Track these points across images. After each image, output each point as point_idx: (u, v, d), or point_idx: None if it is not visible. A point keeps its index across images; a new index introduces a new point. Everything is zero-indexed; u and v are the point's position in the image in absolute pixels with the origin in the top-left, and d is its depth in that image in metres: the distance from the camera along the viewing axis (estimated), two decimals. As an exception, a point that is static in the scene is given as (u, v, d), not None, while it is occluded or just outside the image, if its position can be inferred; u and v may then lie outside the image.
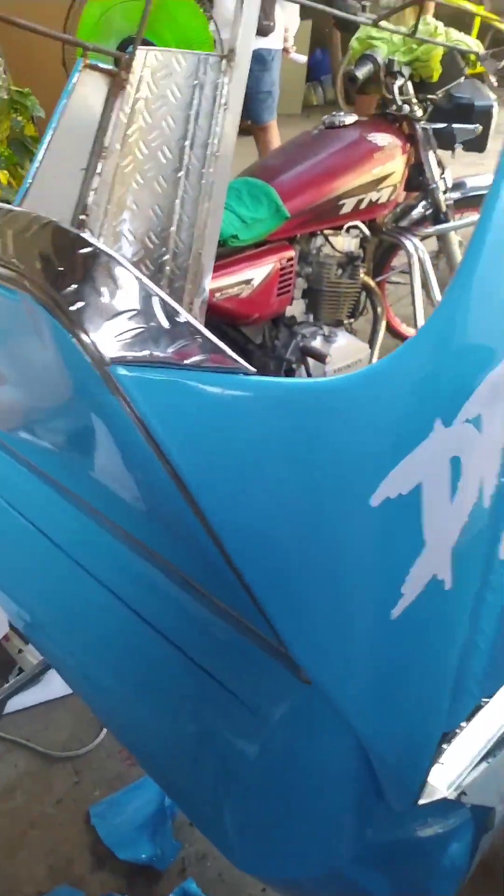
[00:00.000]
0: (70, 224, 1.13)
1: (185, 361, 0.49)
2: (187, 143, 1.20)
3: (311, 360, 1.90)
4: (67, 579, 0.80)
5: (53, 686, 1.61)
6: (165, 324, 0.49)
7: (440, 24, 1.76)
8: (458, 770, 0.75)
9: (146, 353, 0.48)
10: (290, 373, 1.93)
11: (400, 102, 1.79)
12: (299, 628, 0.55)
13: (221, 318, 1.77)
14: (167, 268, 1.30)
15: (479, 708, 0.80)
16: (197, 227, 1.27)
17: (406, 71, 1.78)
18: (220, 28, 3.00)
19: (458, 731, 0.80)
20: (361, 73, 1.70)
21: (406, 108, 1.81)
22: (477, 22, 3.96)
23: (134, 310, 0.49)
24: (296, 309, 1.99)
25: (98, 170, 1.11)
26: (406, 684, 0.60)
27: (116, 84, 1.08)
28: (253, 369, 0.51)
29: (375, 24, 1.44)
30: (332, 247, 1.92)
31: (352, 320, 2.07)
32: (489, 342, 0.57)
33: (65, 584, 0.82)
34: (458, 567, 0.60)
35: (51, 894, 1.24)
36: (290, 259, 1.81)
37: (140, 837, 1.29)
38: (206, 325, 1.77)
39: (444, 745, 0.77)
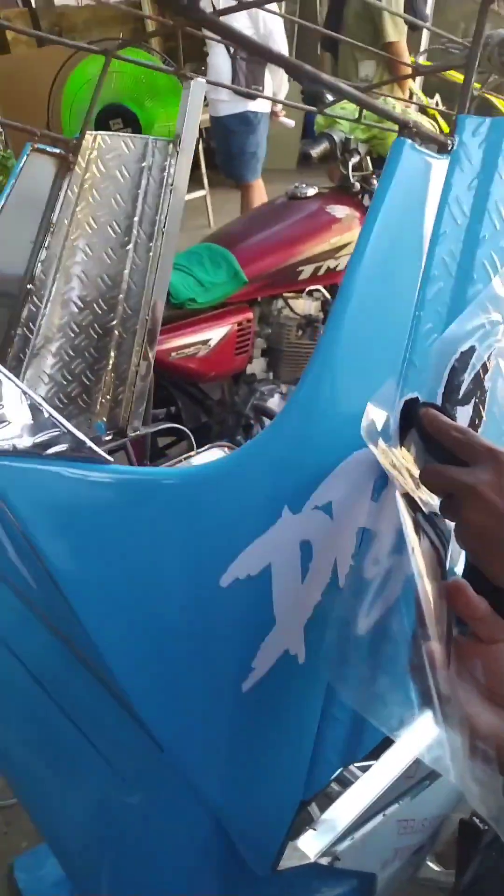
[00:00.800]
0: (19, 292, 1.20)
1: (47, 452, 0.54)
2: (136, 219, 1.28)
3: (265, 419, 1.97)
4: None
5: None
6: (28, 418, 0.55)
7: (398, 105, 1.87)
8: (331, 836, 0.78)
9: (9, 444, 0.54)
10: (248, 428, 2.00)
11: (352, 178, 1.89)
12: (151, 699, 0.59)
13: (180, 376, 1.84)
14: (115, 331, 1.36)
15: (353, 774, 0.84)
16: (145, 295, 1.34)
17: (363, 148, 1.88)
18: (209, 89, 3.14)
19: (334, 796, 0.83)
20: (315, 151, 1.80)
21: (357, 185, 1.91)
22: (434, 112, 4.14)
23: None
24: (256, 367, 2.06)
25: (45, 244, 1.18)
26: (259, 755, 0.64)
27: (65, 166, 1.16)
28: (109, 458, 0.56)
29: (321, 112, 1.54)
30: (292, 309, 2.01)
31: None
32: (341, 433, 0.62)
33: None
34: (313, 643, 0.64)
35: None
36: (249, 321, 1.89)
37: (61, 892, 1.29)
38: (165, 382, 1.85)
39: (318, 810, 0.80)
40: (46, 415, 0.55)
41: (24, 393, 0.55)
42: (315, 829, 0.77)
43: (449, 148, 0.65)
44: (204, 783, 0.61)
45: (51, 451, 0.54)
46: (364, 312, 0.61)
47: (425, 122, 1.96)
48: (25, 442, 0.54)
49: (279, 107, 3.83)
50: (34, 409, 0.55)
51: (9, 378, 0.55)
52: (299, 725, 0.66)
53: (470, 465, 0.56)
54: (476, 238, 0.69)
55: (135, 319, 1.37)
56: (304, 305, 2.02)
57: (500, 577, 0.54)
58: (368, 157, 1.99)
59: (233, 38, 0.64)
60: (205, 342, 1.78)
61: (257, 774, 0.64)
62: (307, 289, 2.01)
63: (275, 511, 0.59)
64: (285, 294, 1.99)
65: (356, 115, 1.57)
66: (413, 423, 0.63)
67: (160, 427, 1.51)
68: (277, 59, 0.63)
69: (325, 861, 0.77)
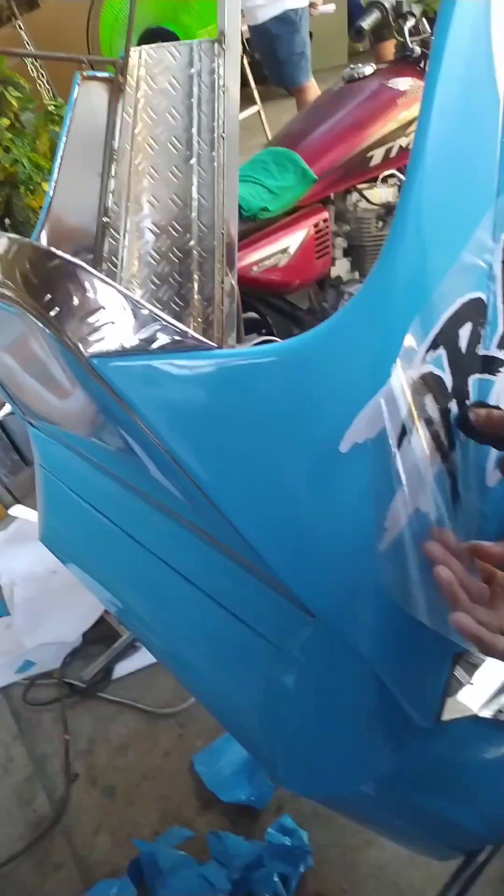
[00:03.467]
0: (95, 228, 1.22)
1: (153, 346, 0.56)
2: (194, 130, 1.26)
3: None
4: (138, 563, 0.89)
5: (152, 652, 1.75)
6: (131, 316, 0.57)
7: None
8: (491, 690, 0.80)
9: (118, 344, 0.56)
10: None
11: (411, 44, 1.75)
12: (296, 568, 0.61)
13: (264, 289, 1.82)
14: (194, 252, 1.36)
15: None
16: (216, 209, 1.33)
17: (417, 9, 1.74)
18: (243, 1, 2.99)
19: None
20: (367, 23, 1.68)
21: (418, 49, 1.78)
22: None
23: (102, 307, 0.57)
24: (340, 269, 2.01)
25: (112, 172, 1.19)
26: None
27: (115, 88, 1.15)
28: (212, 344, 0.57)
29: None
30: (368, 200, 1.92)
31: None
32: (440, 280, 0.60)
33: (136, 567, 0.91)
34: (443, 499, 0.64)
35: (165, 834, 1.38)
36: (325, 220, 1.83)
37: (240, 780, 1.40)
38: (252, 299, 1.84)
39: (478, 663, 0.82)
40: (147, 312, 0.57)
41: (123, 295, 0.57)
42: (472, 684, 0.79)
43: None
44: (359, 642, 0.63)
45: (156, 344, 0.56)
46: (444, 153, 0.58)
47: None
48: (132, 340, 0.56)
49: None
50: (134, 308, 0.57)
51: (106, 282, 0.57)
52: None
53: None
54: None
55: (211, 237, 1.36)
56: (381, 194, 1.93)
57: None
58: (424, 19, 1.84)
59: None
60: (284, 250, 1.74)
61: (408, 629, 0.66)
62: (381, 175, 1.91)
63: (384, 369, 0.58)
64: (359, 185, 1.91)
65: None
66: (464, 427, 0.62)
67: (255, 342, 1.52)
68: None
69: (488, 713, 0.79)
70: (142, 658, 1.77)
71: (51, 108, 2.19)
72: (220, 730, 1.54)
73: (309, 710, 0.71)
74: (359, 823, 1.16)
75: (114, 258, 1.25)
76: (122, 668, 1.75)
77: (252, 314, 1.90)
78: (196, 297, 1.39)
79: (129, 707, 1.67)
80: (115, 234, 1.23)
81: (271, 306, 1.90)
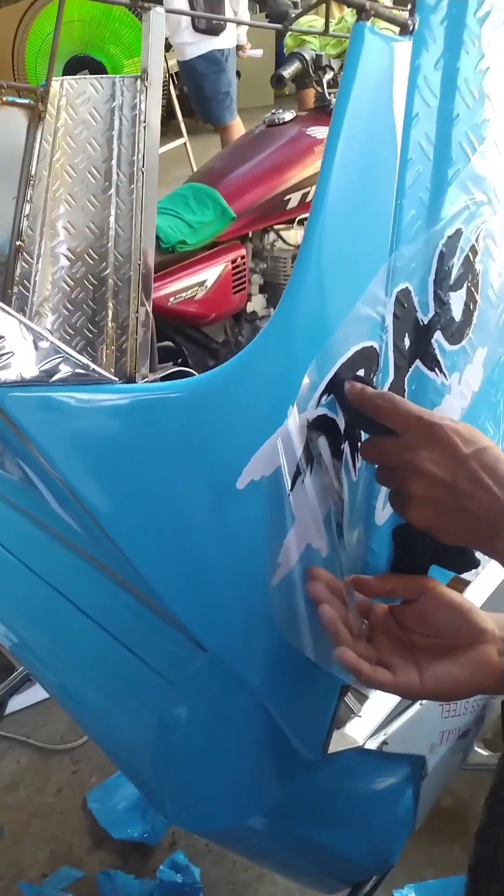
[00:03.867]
0: (7, 251, 1.21)
1: (53, 378, 0.56)
2: (114, 162, 1.27)
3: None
4: (32, 595, 0.87)
5: (50, 685, 1.70)
6: (31, 347, 0.57)
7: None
8: (376, 722, 0.82)
9: (17, 374, 0.56)
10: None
11: (328, 95, 1.84)
12: (189, 603, 0.62)
13: (181, 320, 1.84)
14: (110, 280, 1.37)
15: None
16: (133, 240, 1.34)
17: (336, 64, 1.83)
18: (171, 33, 3.05)
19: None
20: (288, 72, 1.76)
21: (334, 101, 1.86)
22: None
23: (1, 337, 0.56)
24: (256, 304, 2.06)
25: (28, 197, 1.19)
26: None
27: (35, 115, 1.15)
28: (114, 378, 0.58)
29: (286, 28, 1.50)
30: (284, 241, 1.99)
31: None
32: (336, 332, 0.63)
33: (31, 599, 0.89)
34: (333, 536, 0.67)
35: (53, 876, 1.33)
36: (243, 257, 1.88)
37: (133, 817, 1.37)
38: (168, 329, 1.85)
39: (364, 697, 0.84)
40: (48, 344, 0.57)
41: (23, 324, 0.57)
42: (360, 716, 0.81)
43: (410, 29, 0.64)
44: (249, 676, 0.64)
45: (57, 376, 0.56)
46: (344, 206, 0.62)
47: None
48: (32, 371, 0.56)
49: (245, 41, 3.72)
50: (36, 338, 0.57)
51: (7, 312, 0.56)
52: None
53: (402, 435, 0.57)
54: (449, 118, 0.69)
55: (127, 266, 1.37)
56: (296, 235, 2.00)
57: (454, 539, 0.57)
58: (342, 73, 1.94)
59: None
60: (201, 283, 1.77)
61: (297, 662, 0.67)
62: (297, 218, 1.98)
63: (280, 411, 0.61)
64: (275, 226, 1.97)
65: (324, 29, 1.53)
66: (340, 399, 0.63)
67: (168, 372, 1.53)
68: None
69: (373, 745, 0.81)
70: (36, 692, 1.71)
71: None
72: (115, 766, 1.51)
73: (198, 745, 0.71)
74: (248, 859, 1.16)
75: (25, 282, 1.24)
76: (16, 703, 1.69)
77: (168, 343, 1.91)
78: (110, 324, 1.39)
79: (21, 743, 1.61)
80: (29, 259, 1.22)
81: (188, 338, 1.92)
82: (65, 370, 0.56)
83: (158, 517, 0.59)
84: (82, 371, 0.57)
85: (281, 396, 0.61)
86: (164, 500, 0.59)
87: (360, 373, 0.66)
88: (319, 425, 0.63)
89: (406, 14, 0.65)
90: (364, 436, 0.68)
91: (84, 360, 0.57)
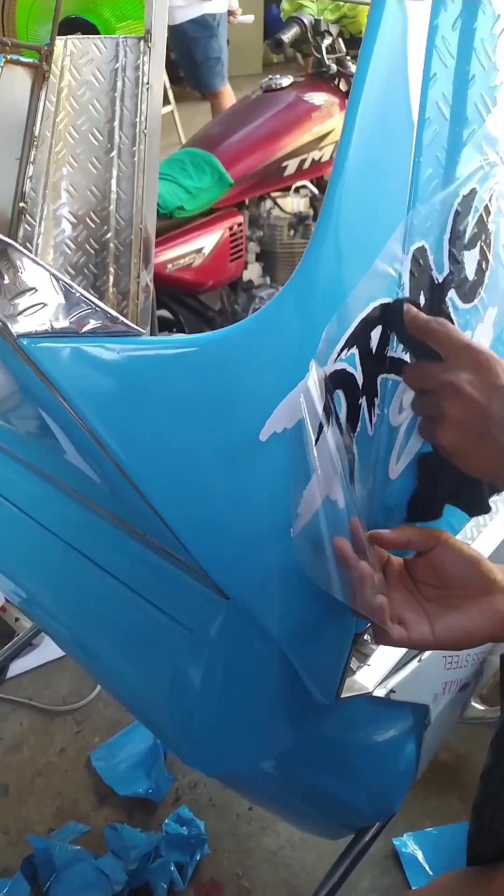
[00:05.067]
0: (10, 212, 1.20)
1: (84, 329, 0.57)
2: (116, 123, 1.26)
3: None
4: (45, 550, 0.89)
5: (51, 649, 1.72)
6: (62, 299, 0.57)
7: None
8: (384, 670, 0.85)
9: (48, 325, 0.57)
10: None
11: (327, 61, 1.83)
12: (212, 551, 0.64)
13: (178, 288, 1.84)
14: (111, 245, 1.36)
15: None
16: (135, 203, 1.33)
17: (334, 29, 1.82)
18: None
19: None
20: (287, 36, 1.74)
21: (334, 66, 1.86)
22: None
23: (34, 288, 0.57)
24: (252, 272, 2.06)
25: (31, 158, 1.18)
26: (314, 591, 0.69)
27: (39, 75, 1.14)
28: (142, 330, 0.59)
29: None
30: (281, 209, 1.98)
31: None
32: (355, 286, 0.64)
33: (43, 555, 0.91)
34: (349, 489, 0.69)
35: (60, 830, 1.36)
36: (240, 224, 1.87)
37: (137, 774, 1.41)
38: (165, 297, 1.85)
39: (372, 647, 0.87)
40: (78, 294, 0.58)
41: (55, 277, 0.58)
42: (369, 665, 0.84)
43: (431, -14, 0.65)
44: (269, 623, 0.67)
45: (87, 327, 0.57)
46: (364, 162, 0.63)
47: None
48: (62, 322, 0.57)
49: (236, 6, 3.67)
50: (66, 290, 0.58)
51: (39, 264, 0.57)
52: (346, 563, 0.71)
53: (446, 360, 0.60)
54: (465, 78, 0.69)
55: (129, 230, 1.36)
56: (293, 203, 2.00)
57: (474, 468, 0.61)
58: (340, 39, 1.92)
59: None
60: (198, 250, 1.77)
61: (313, 610, 0.70)
62: (294, 185, 1.98)
63: (302, 365, 0.62)
64: (272, 193, 1.96)
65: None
66: (392, 324, 0.65)
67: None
68: None
69: (381, 693, 0.84)
70: (38, 656, 1.73)
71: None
72: (119, 726, 1.54)
73: (216, 691, 0.73)
74: (255, 803, 1.20)
75: (28, 244, 1.23)
76: (18, 667, 1.71)
77: (164, 312, 1.91)
78: (111, 290, 1.39)
79: (23, 705, 1.63)
80: (31, 221, 1.22)
81: (184, 305, 1.92)
82: (93, 322, 0.57)
83: (183, 467, 0.61)
84: (110, 323, 0.58)
85: (302, 351, 0.62)
86: (189, 450, 0.60)
87: (378, 329, 0.67)
88: (338, 379, 0.65)
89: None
90: (380, 392, 0.70)
91: (113, 311, 0.58)
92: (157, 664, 0.78)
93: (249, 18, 3.79)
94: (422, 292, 0.71)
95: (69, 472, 0.76)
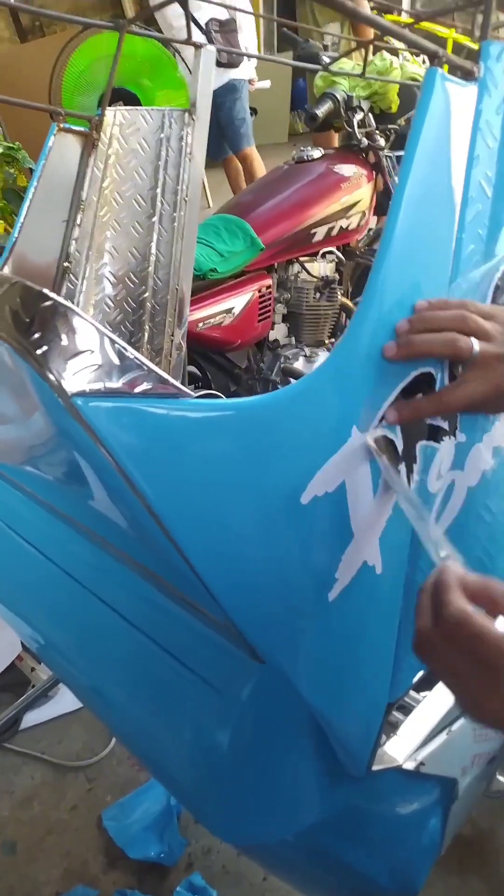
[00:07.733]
0: (55, 271, 1.25)
1: (135, 390, 0.59)
2: (158, 190, 1.32)
3: (293, 381, 2.01)
4: (69, 598, 0.89)
5: (66, 701, 1.70)
6: (116, 360, 0.59)
7: (395, 59, 1.88)
8: (415, 742, 0.84)
9: (101, 385, 0.58)
10: (277, 393, 2.03)
11: (359, 135, 1.90)
12: (250, 614, 0.64)
13: (207, 346, 1.88)
14: (147, 304, 1.40)
15: (432, 682, 0.88)
16: (173, 265, 1.38)
17: (365, 105, 1.90)
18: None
19: (413, 704, 0.88)
20: (321, 111, 1.82)
21: (365, 140, 1.93)
22: (450, 44, 4.12)
23: (89, 350, 0.59)
24: (278, 333, 2.10)
25: (78, 221, 1.23)
26: (349, 659, 0.69)
27: (89, 143, 1.20)
28: (191, 393, 0.60)
29: (326, 69, 1.56)
30: (309, 273, 2.04)
31: (332, 340, 2.18)
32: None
33: (67, 602, 0.91)
34: (387, 554, 0.69)
35: (68, 894, 1.32)
36: (269, 287, 1.92)
37: (149, 836, 1.37)
38: (194, 353, 1.89)
39: (401, 717, 0.86)
40: (131, 356, 0.60)
41: (110, 339, 0.60)
42: (398, 735, 0.82)
43: (476, 76, 0.69)
44: (304, 689, 0.66)
45: (139, 389, 0.59)
46: (409, 238, 0.65)
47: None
48: (116, 383, 0.59)
49: (254, 75, 3.87)
50: (120, 352, 0.60)
51: (95, 326, 0.60)
52: (381, 631, 0.71)
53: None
54: (508, 160, 0.73)
55: (165, 291, 1.41)
56: (320, 268, 2.05)
57: None
58: (370, 114, 2.01)
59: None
60: (229, 311, 1.81)
61: (348, 679, 0.69)
62: (321, 251, 2.03)
63: (345, 430, 0.63)
64: (301, 258, 2.02)
65: (359, 71, 1.60)
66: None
67: (199, 394, 1.56)
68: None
69: (410, 766, 0.83)
70: (52, 708, 1.71)
71: (6, 150, 2.22)
72: (132, 784, 1.51)
73: (245, 757, 0.72)
74: (272, 873, 1.16)
75: (70, 301, 1.27)
76: (32, 718, 1.69)
77: (192, 368, 1.95)
78: (146, 346, 1.43)
79: (35, 759, 1.60)
80: (74, 280, 1.26)
81: (212, 362, 1.96)
82: (145, 384, 0.59)
83: (224, 527, 0.61)
84: (160, 384, 0.60)
85: (344, 417, 0.64)
86: (232, 511, 0.61)
87: (419, 396, 0.69)
88: (380, 445, 0.66)
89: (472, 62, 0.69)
90: (419, 459, 0.71)
91: (163, 373, 0.60)
92: (181, 723, 0.77)
93: (266, 84, 4.00)
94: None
95: (97, 520, 0.77)
